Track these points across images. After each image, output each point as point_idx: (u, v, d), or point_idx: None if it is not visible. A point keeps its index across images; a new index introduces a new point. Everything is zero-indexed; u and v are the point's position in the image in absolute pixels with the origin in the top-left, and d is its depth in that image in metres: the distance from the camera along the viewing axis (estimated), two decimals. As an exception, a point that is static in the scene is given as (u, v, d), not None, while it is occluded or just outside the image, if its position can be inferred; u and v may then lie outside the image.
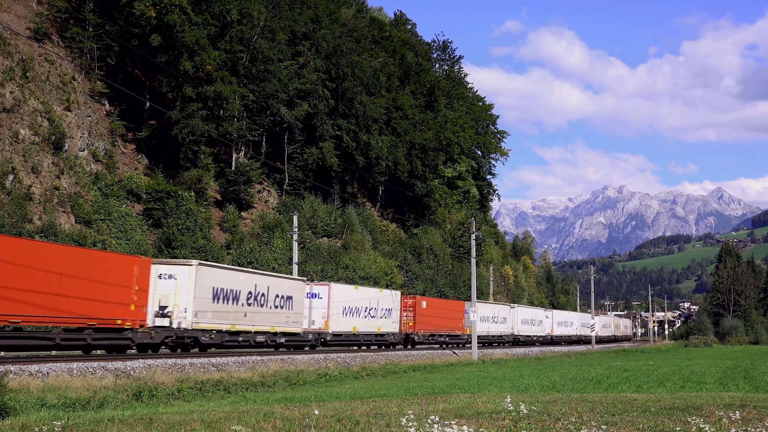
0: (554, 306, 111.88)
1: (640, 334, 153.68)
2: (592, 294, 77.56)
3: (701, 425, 8.61)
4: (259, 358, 27.34)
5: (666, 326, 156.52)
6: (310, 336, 37.02)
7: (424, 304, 48.02)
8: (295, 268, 43.64)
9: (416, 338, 47.31)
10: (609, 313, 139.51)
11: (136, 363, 21.49)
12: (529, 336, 66.81)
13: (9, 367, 17.67)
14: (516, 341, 63.82)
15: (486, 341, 56.61)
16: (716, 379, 23.52)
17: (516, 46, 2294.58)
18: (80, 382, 17.01)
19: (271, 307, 32.85)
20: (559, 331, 76.11)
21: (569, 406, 12.11)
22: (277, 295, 33.39)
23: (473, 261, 43.22)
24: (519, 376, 25.21)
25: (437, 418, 8.05)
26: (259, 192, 62.21)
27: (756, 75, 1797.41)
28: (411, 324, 46.71)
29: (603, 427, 8.81)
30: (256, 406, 13.39)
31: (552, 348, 63.48)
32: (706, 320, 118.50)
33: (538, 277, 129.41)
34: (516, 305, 66.42)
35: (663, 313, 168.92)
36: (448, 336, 51.51)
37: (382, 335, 43.92)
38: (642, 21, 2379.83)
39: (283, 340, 34.26)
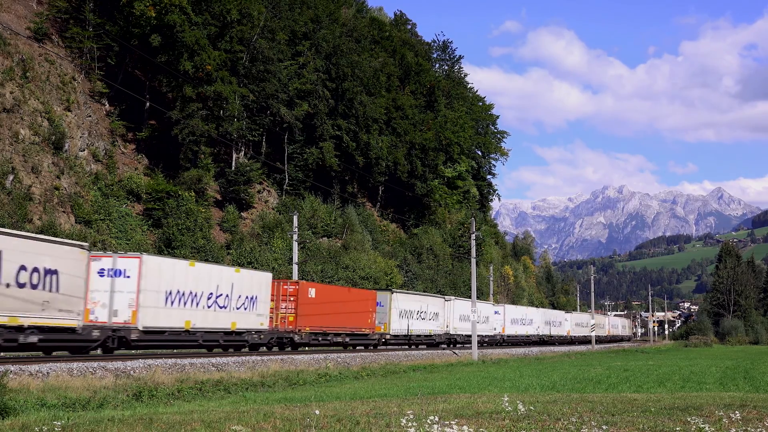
0: (554, 306, 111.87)
1: (640, 334, 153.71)
2: (592, 294, 77.63)
3: (701, 425, 8.61)
4: (259, 358, 27.33)
5: (666, 326, 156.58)
6: (96, 333, 24.52)
7: (311, 292, 36.30)
8: (295, 268, 43.65)
9: (297, 338, 35.35)
10: (609, 313, 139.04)
11: (136, 363, 21.50)
12: (470, 335, 52.98)
13: (9, 367, 17.68)
14: (451, 341, 53.15)
15: (407, 342, 47.06)
16: (716, 379, 23.53)
17: (515, 46, 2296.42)
18: (80, 382, 17.01)
19: (9, 286, 20.90)
20: (513, 330, 64.48)
21: (569, 406, 12.11)
22: (22, 267, 21.31)
23: (473, 261, 43.22)
24: (519, 376, 25.22)
25: (437, 418, 8.05)
26: (259, 192, 62.24)
27: (755, 75, 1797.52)
28: (292, 318, 34.88)
29: (603, 427, 8.81)
30: (256, 406, 13.39)
31: (552, 348, 63.32)
32: (706, 320, 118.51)
33: (538, 277, 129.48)
34: (453, 298, 54.90)
35: (663, 313, 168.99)
36: (349, 335, 40.25)
37: (238, 333, 31.56)
38: (641, 21, 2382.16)
39: (35, 339, 21.96)
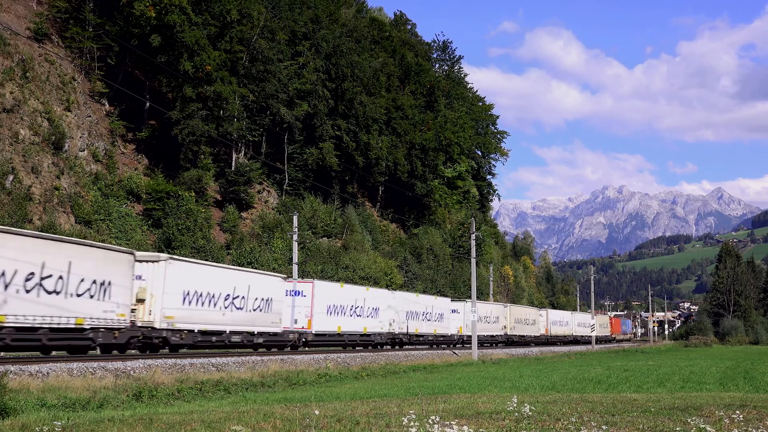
0: (554, 306, 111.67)
1: (640, 334, 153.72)
2: (592, 294, 77.63)
3: (701, 425, 8.61)
4: (259, 358, 27.30)
5: (666, 326, 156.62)
6: None
7: None
8: (295, 268, 43.65)
9: None
10: (605, 312, 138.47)
11: (136, 363, 21.48)
12: (256, 332, 32.86)
13: (9, 367, 17.66)
14: (148, 342, 27.91)
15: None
16: (716, 379, 23.51)
17: (513, 47, 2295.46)
18: (80, 382, 17.00)
19: None
20: (325, 325, 37.46)
21: (569, 406, 12.11)
22: None
23: (473, 261, 43.21)
24: (519, 376, 25.21)
25: (438, 418, 8.04)
26: (259, 192, 62.26)
27: (753, 75, 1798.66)
28: None
29: (603, 427, 8.81)
30: (256, 406, 13.39)
31: (552, 348, 63.07)
32: (706, 320, 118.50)
33: (538, 277, 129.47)
34: (162, 258, 27.93)
35: (663, 313, 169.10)
36: None
37: None
38: (638, 21, 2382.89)
39: None
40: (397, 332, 44.58)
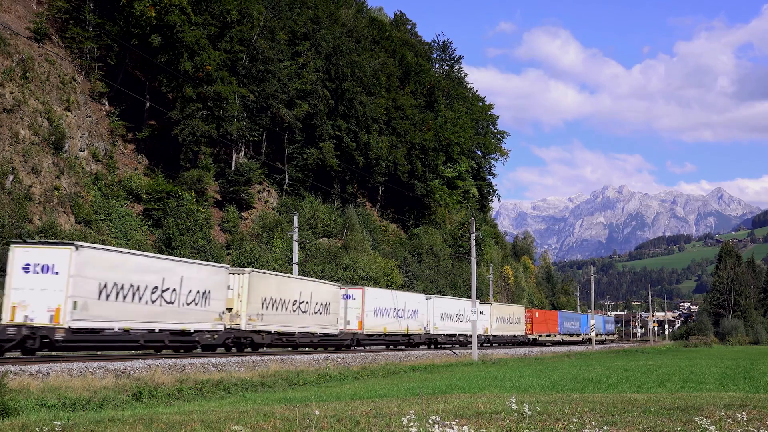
0: (554, 306, 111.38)
1: (640, 334, 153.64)
2: (592, 294, 77.57)
3: (702, 425, 8.60)
4: (259, 358, 27.30)
5: (666, 326, 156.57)
6: None
7: None
8: (295, 268, 43.63)
9: None
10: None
11: (136, 363, 21.47)
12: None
13: (9, 367, 17.66)
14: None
15: None
16: (716, 379, 23.51)
17: (511, 47, 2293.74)
18: (80, 382, 16.99)
19: None
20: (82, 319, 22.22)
21: (569, 406, 12.10)
22: None
23: (473, 261, 43.19)
24: (519, 376, 25.20)
25: (438, 418, 8.04)
26: (259, 192, 62.24)
27: (751, 75, 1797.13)
28: None
29: (604, 427, 8.80)
30: (256, 406, 13.39)
31: (552, 348, 62.95)
32: (706, 320, 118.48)
33: (538, 277, 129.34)
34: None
35: (663, 313, 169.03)
36: None
37: None
38: (636, 21, 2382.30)
39: None
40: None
